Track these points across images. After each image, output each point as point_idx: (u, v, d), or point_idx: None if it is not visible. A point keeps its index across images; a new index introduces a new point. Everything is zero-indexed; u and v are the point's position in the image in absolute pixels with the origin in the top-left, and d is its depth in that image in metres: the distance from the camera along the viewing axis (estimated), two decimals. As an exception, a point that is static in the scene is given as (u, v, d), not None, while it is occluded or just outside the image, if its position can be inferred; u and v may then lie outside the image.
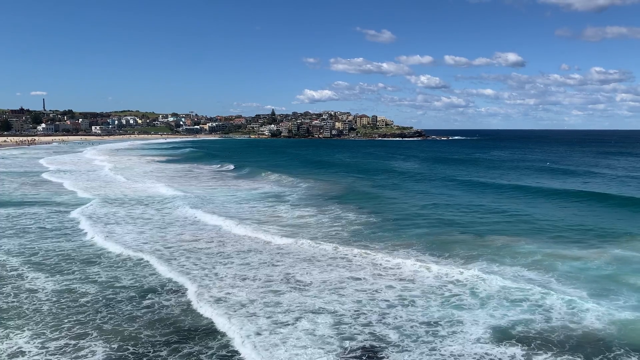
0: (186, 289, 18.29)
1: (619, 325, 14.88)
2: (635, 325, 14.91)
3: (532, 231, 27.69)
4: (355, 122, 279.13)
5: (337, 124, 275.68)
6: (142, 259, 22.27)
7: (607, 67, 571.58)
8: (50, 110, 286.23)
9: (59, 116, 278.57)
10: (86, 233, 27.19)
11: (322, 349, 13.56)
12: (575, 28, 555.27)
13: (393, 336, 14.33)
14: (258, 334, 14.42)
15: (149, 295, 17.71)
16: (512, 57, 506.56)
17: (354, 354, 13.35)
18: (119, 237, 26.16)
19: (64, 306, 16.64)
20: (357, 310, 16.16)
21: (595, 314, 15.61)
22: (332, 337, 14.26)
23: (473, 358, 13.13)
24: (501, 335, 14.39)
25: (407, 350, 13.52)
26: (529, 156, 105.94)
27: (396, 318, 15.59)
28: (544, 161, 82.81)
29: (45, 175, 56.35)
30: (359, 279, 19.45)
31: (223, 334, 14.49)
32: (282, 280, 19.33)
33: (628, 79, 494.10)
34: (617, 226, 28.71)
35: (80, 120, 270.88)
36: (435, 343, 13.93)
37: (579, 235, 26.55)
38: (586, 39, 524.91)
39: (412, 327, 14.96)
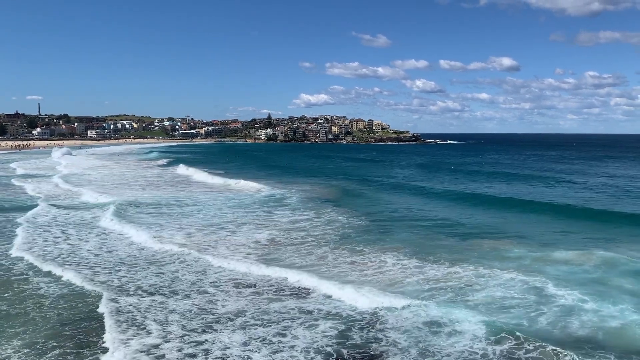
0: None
1: (609, 326, 15.12)
2: (624, 326, 15.15)
3: (518, 236, 27.76)
4: (352, 127, 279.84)
5: (333, 128, 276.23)
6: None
7: (601, 72, 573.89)
8: (45, 115, 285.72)
9: (54, 120, 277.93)
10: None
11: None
12: (569, 33, 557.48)
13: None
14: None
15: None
16: (506, 61, 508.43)
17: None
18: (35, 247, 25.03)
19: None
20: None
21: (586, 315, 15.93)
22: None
23: (466, 356, 13.29)
24: (494, 334, 14.48)
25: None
26: (519, 163, 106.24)
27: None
28: (537, 169, 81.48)
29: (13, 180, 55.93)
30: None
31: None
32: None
33: (622, 83, 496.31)
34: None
35: (76, 124, 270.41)
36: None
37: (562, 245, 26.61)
38: (580, 43, 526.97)
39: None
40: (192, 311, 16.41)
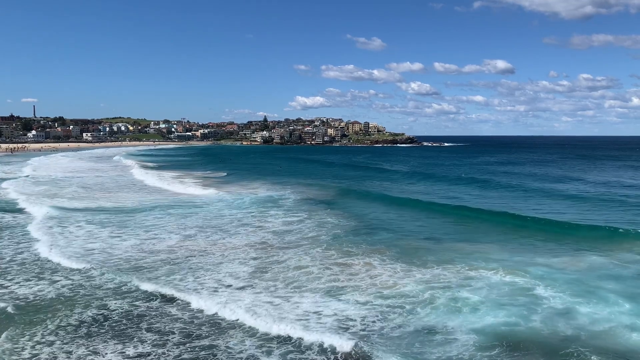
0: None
1: (593, 328, 15.64)
2: (609, 328, 15.64)
3: (503, 241, 28.32)
4: (348, 129, 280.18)
5: (329, 130, 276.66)
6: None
7: (595, 75, 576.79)
8: (40, 117, 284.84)
9: (49, 123, 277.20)
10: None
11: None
12: (562, 36, 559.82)
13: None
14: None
15: None
16: (501, 64, 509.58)
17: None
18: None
19: None
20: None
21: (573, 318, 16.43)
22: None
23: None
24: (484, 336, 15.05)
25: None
26: (506, 168, 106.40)
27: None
28: (523, 175, 77.64)
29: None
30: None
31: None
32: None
33: (615, 85, 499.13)
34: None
35: (71, 127, 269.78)
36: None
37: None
38: (573, 46, 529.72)
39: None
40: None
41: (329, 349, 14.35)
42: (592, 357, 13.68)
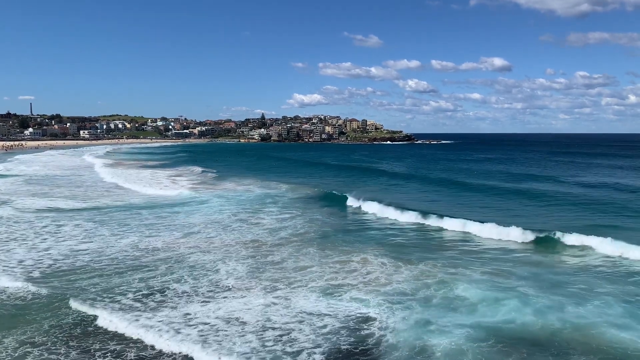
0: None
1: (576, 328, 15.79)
2: (591, 327, 15.78)
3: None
4: (345, 126, 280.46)
5: (327, 128, 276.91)
6: None
7: (591, 72, 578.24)
8: (37, 115, 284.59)
9: (46, 120, 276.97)
10: None
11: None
12: (558, 34, 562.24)
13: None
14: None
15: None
16: (498, 61, 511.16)
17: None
18: None
19: None
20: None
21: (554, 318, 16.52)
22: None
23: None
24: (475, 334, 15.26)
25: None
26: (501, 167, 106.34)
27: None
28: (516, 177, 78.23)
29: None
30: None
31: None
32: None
33: (612, 83, 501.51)
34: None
35: (69, 124, 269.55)
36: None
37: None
38: (570, 44, 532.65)
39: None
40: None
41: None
42: (577, 349, 14.08)
